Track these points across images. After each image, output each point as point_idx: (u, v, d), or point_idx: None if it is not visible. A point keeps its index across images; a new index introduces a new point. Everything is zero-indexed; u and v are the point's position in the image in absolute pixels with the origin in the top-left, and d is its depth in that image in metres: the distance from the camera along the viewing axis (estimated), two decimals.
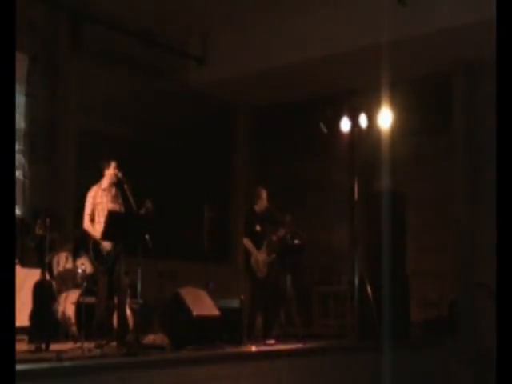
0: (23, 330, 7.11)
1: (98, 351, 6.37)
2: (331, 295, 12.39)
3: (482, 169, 11.18)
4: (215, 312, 7.47)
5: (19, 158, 10.13)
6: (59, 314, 7.95)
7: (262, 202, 8.79)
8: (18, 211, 9.47)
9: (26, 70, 10.22)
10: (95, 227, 7.28)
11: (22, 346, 6.62)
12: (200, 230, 12.04)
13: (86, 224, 7.35)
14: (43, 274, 7.52)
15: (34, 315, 7.20)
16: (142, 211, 7.11)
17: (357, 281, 9.48)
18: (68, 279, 8.58)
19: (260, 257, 8.62)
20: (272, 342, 7.99)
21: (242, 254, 9.06)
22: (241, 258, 9.74)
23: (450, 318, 11.29)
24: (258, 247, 8.67)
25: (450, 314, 11.39)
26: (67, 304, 8.05)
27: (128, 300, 7.89)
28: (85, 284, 7.79)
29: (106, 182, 7.44)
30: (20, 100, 10.02)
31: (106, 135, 11.04)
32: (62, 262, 8.77)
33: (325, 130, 9.99)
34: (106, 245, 7.24)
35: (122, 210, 7.41)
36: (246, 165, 13.96)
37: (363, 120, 9.74)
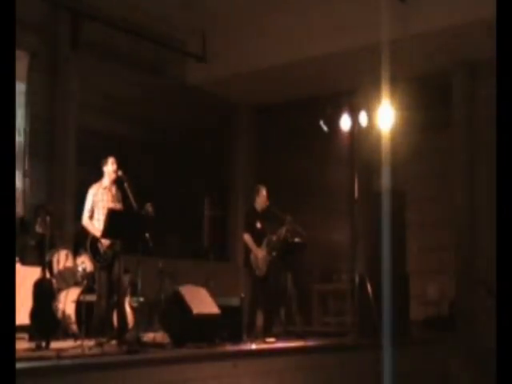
0: (23, 328, 7.12)
1: (98, 349, 6.37)
2: (331, 293, 12.39)
3: (482, 167, 11.18)
4: (215, 310, 7.46)
5: (19, 157, 10.10)
6: (59, 312, 7.94)
7: (262, 199, 8.80)
8: (18, 210, 9.45)
9: (26, 68, 10.19)
10: (94, 225, 7.29)
11: (22, 344, 6.63)
12: (200, 228, 12.06)
13: (85, 221, 7.38)
14: (43, 272, 7.52)
15: (34, 313, 7.21)
16: (143, 213, 7.09)
17: (357, 279, 9.48)
18: (68, 277, 8.57)
19: (259, 254, 8.61)
20: (272, 340, 7.97)
21: (242, 251, 9.07)
22: (241, 255, 9.74)
23: (450, 316, 11.29)
24: (258, 244, 8.67)
25: (450, 312, 11.40)
26: (67, 302, 8.04)
27: (128, 298, 7.91)
28: (85, 282, 7.79)
29: (107, 180, 7.45)
30: (20, 98, 9.99)
31: (105, 133, 11.04)
32: (62, 260, 8.76)
33: (325, 129, 9.99)
34: (104, 243, 7.24)
35: (122, 208, 7.41)
36: (246, 164, 13.94)
37: (363, 118, 9.73)
